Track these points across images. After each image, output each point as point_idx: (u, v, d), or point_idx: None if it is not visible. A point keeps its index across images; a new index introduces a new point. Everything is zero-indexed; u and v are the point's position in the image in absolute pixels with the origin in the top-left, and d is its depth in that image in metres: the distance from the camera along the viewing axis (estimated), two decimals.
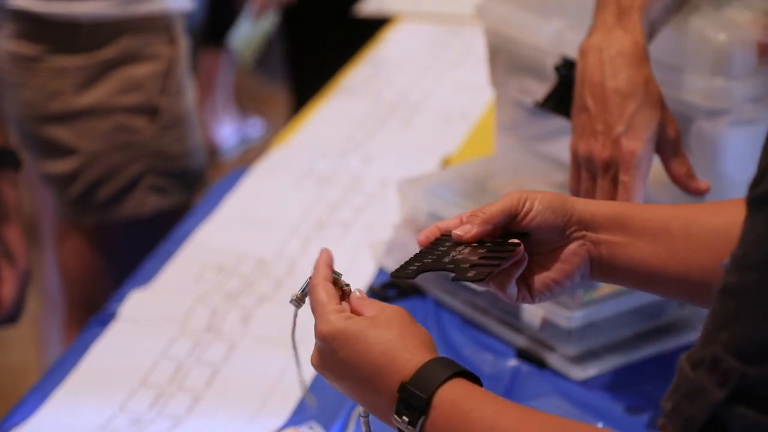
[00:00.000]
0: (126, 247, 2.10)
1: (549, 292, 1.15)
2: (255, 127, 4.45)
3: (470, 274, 1.08)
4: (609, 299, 1.50)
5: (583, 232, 1.13)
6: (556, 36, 1.58)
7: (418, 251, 1.15)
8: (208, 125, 4.35)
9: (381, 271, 1.73)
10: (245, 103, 4.53)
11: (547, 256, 1.14)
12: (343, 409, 1.44)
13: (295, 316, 1.18)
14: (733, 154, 1.47)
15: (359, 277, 1.73)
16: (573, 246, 1.13)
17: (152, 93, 2.05)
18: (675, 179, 1.39)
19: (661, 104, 1.37)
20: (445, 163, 2.08)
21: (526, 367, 1.52)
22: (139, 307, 1.67)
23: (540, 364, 1.52)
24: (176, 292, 1.71)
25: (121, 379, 1.53)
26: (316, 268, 1.15)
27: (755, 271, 0.84)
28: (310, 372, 1.52)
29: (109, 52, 2.01)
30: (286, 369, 1.54)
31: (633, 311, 1.52)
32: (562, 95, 1.49)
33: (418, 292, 1.67)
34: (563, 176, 1.47)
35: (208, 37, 4.11)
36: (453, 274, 1.09)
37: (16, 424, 1.45)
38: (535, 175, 1.69)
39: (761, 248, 0.84)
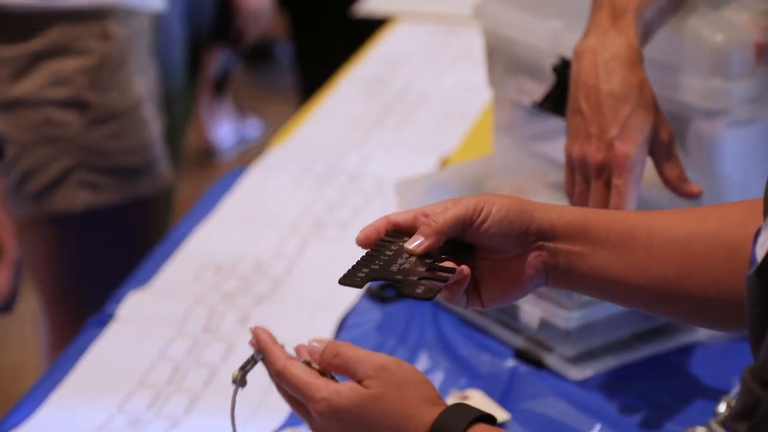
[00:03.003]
0: (77, 240, 2.08)
1: (500, 300, 1.12)
2: (253, 127, 4.45)
3: (419, 290, 1.06)
4: None
5: (541, 242, 1.10)
6: (553, 36, 1.58)
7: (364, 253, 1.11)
8: (207, 125, 4.35)
9: None
10: (243, 104, 4.53)
11: (501, 264, 1.11)
12: None
13: (235, 394, 1.15)
14: (731, 154, 1.47)
15: None
16: (528, 257, 1.10)
17: (81, 88, 2.03)
18: (667, 182, 1.39)
19: (655, 107, 1.37)
20: (444, 163, 2.08)
21: (524, 368, 1.52)
22: (137, 308, 1.67)
23: (538, 364, 1.52)
24: (174, 293, 1.71)
25: (119, 379, 1.53)
26: (266, 349, 1.10)
27: None
28: None
29: (38, 43, 1.99)
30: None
31: (631, 312, 1.52)
32: (560, 96, 1.49)
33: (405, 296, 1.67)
34: (561, 177, 1.47)
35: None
36: (401, 287, 1.07)
37: (15, 424, 1.45)
38: (533, 176, 1.69)
39: None
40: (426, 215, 1.11)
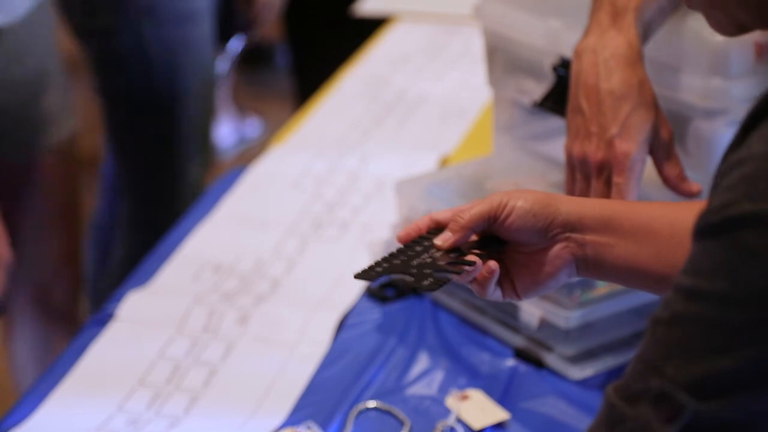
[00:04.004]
0: None
1: (534, 292, 1.16)
2: (253, 127, 4.44)
3: (425, 282, 1.11)
4: (606, 299, 1.50)
5: (568, 234, 1.13)
6: (553, 36, 1.58)
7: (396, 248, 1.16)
8: None
9: None
10: (243, 103, 4.53)
11: (530, 257, 1.15)
12: (341, 409, 1.44)
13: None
14: None
15: None
16: (556, 248, 1.14)
17: None
18: (667, 181, 1.39)
19: (655, 106, 1.37)
20: (443, 162, 2.08)
21: (523, 367, 1.52)
22: (137, 308, 1.67)
23: (538, 364, 1.52)
24: (174, 293, 1.71)
25: (119, 379, 1.53)
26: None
27: (711, 303, 0.81)
28: (307, 371, 1.53)
29: None
30: (283, 369, 1.54)
31: (630, 311, 1.52)
32: (560, 95, 1.49)
33: (415, 292, 1.67)
34: (561, 176, 1.47)
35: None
36: (412, 281, 1.11)
37: (14, 424, 1.45)
38: (533, 175, 1.69)
39: (718, 280, 0.81)
40: (462, 212, 1.16)
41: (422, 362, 1.53)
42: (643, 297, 1.52)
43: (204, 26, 2.40)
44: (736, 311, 0.79)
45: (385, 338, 1.59)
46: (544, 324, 1.51)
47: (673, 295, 0.83)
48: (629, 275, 1.14)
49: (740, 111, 1.44)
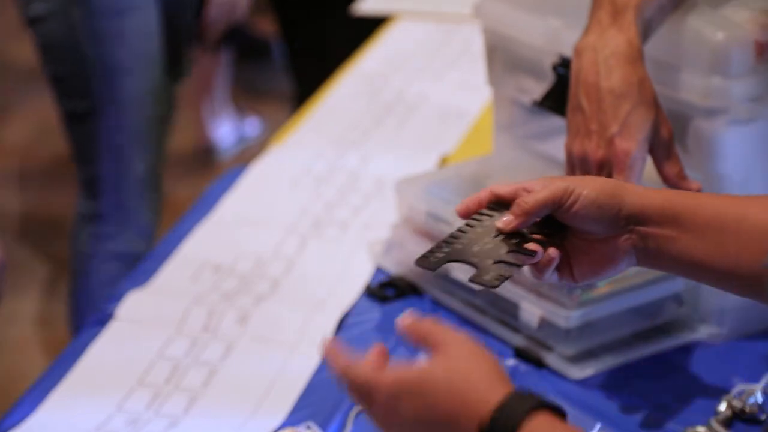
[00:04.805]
0: None
1: (592, 278, 1.16)
2: (252, 126, 4.44)
3: (487, 277, 1.09)
4: (607, 299, 1.50)
5: (631, 226, 1.13)
6: (553, 35, 1.57)
7: (459, 225, 1.13)
8: (206, 124, 4.34)
9: (379, 271, 1.72)
10: (242, 103, 4.53)
11: (591, 244, 1.14)
12: (340, 409, 1.44)
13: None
14: (731, 153, 1.46)
15: (356, 276, 1.72)
16: (618, 239, 1.13)
17: None
18: (667, 180, 1.39)
19: (655, 104, 1.37)
20: (443, 162, 2.08)
21: (524, 367, 1.52)
22: (137, 308, 1.67)
23: (538, 363, 1.51)
24: (173, 292, 1.71)
25: (118, 379, 1.53)
26: (330, 358, 1.07)
27: None
28: (307, 371, 1.52)
29: None
30: (283, 369, 1.53)
31: (631, 311, 1.52)
32: (560, 94, 1.49)
33: (415, 291, 1.67)
34: (561, 175, 1.46)
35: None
36: (473, 276, 1.10)
37: (14, 424, 1.45)
38: (533, 174, 1.68)
39: None
40: (527, 191, 1.14)
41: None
42: (643, 297, 1.51)
43: (143, 20, 2.40)
44: None
45: (385, 338, 1.58)
46: (544, 323, 1.51)
47: None
48: (691, 269, 1.14)
49: (740, 110, 1.44)
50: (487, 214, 1.15)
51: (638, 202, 1.13)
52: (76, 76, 2.40)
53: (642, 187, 1.16)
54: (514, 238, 1.13)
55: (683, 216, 1.12)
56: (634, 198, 1.13)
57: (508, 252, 1.12)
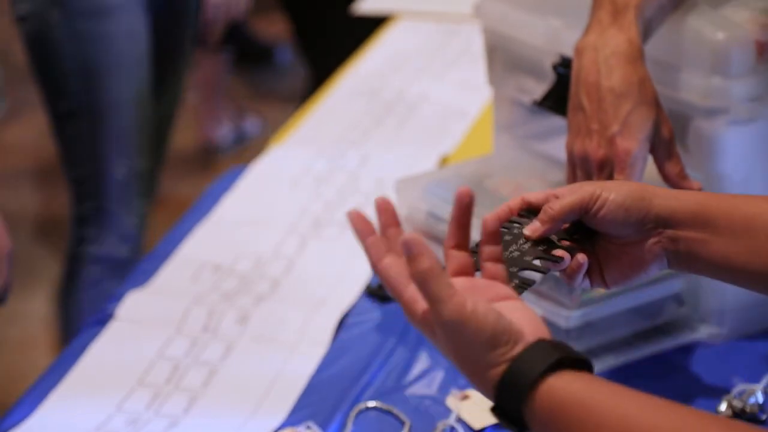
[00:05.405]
0: None
1: (623, 282, 1.15)
2: (252, 126, 4.44)
3: (511, 284, 1.07)
4: (607, 299, 1.50)
5: (660, 229, 1.12)
6: (553, 35, 1.57)
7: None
8: (206, 124, 4.35)
9: None
10: (243, 103, 4.53)
11: (621, 248, 1.14)
12: (340, 409, 1.44)
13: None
14: (731, 153, 1.46)
15: (356, 276, 1.72)
16: (648, 242, 1.13)
17: None
18: (668, 179, 1.39)
19: (656, 104, 1.36)
20: (443, 161, 2.08)
21: None
22: (137, 308, 1.67)
23: None
24: (173, 292, 1.71)
25: (118, 379, 1.53)
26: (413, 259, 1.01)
27: None
28: (307, 371, 1.52)
29: None
30: (283, 369, 1.53)
31: (631, 311, 1.52)
32: (561, 94, 1.49)
33: None
34: (561, 175, 1.46)
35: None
36: None
37: (14, 424, 1.45)
38: (533, 174, 1.68)
39: None
40: (556, 197, 1.14)
41: (422, 362, 1.53)
42: (643, 297, 1.51)
43: (125, 22, 2.39)
44: None
45: (384, 338, 1.59)
46: (544, 323, 1.51)
47: None
48: (723, 271, 1.13)
49: (740, 110, 1.44)
50: (517, 222, 1.15)
51: (668, 205, 1.12)
52: (57, 78, 2.39)
53: (670, 190, 1.16)
54: (542, 244, 1.13)
55: (714, 218, 1.12)
56: (663, 201, 1.12)
57: (535, 259, 1.11)
